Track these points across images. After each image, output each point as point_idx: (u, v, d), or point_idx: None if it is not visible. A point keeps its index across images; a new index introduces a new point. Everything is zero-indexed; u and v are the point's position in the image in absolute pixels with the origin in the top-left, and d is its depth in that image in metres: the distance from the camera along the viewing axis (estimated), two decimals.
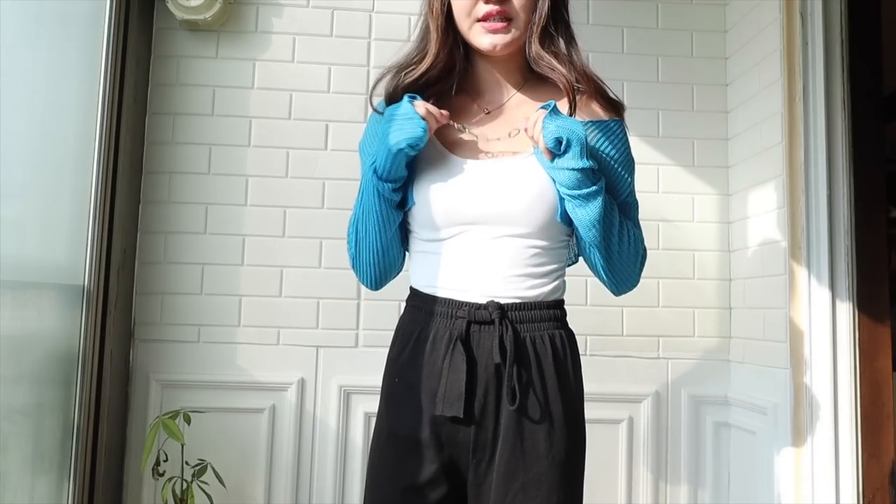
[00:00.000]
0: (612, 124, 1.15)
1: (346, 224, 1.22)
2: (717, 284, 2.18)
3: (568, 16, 1.17)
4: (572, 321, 1.17)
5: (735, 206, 2.17)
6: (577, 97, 1.12)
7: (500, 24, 1.11)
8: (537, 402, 1.08)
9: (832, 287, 1.83)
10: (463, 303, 1.11)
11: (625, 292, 1.22)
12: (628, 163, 1.16)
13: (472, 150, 1.15)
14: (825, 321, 1.82)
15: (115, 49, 1.87)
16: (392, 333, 1.20)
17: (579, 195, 1.07)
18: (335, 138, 2.11)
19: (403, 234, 1.21)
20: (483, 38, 1.13)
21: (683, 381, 2.14)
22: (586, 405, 1.17)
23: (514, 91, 1.20)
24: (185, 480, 1.85)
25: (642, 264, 1.19)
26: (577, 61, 1.14)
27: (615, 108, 1.17)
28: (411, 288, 1.20)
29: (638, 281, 1.20)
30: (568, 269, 1.21)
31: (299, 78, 2.12)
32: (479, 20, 1.12)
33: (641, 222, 1.20)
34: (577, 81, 1.12)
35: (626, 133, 1.17)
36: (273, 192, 2.08)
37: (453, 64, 1.17)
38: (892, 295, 1.87)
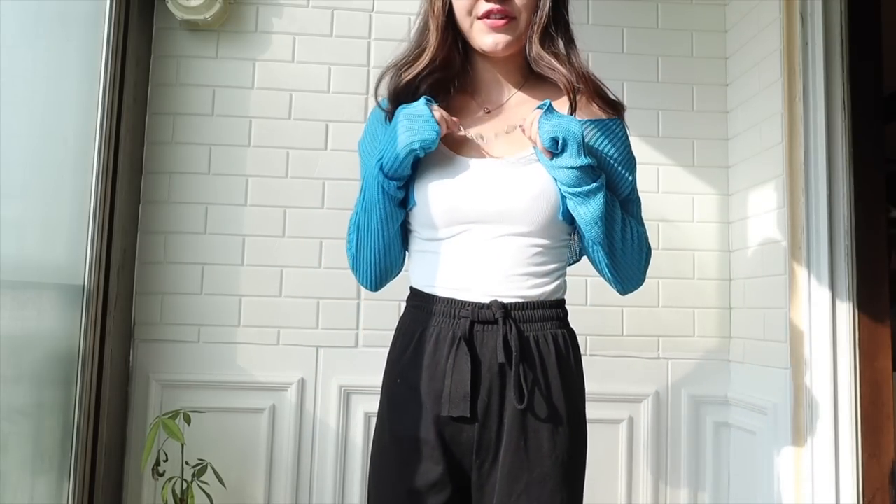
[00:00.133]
0: (612, 123, 1.15)
1: (346, 224, 1.22)
2: (717, 284, 2.18)
3: (568, 16, 1.17)
4: (572, 321, 1.17)
5: (735, 206, 2.17)
6: (578, 97, 1.12)
7: (501, 22, 1.11)
8: (543, 401, 1.08)
9: (832, 287, 1.82)
10: (465, 302, 1.11)
11: (630, 291, 1.21)
12: (629, 161, 1.16)
13: (473, 149, 1.15)
14: (825, 321, 1.82)
15: (115, 49, 1.87)
16: (392, 333, 1.20)
17: (580, 192, 1.07)
18: (335, 138, 2.11)
19: (404, 235, 1.21)
20: (485, 36, 1.13)
21: (683, 381, 2.14)
22: (587, 405, 1.17)
23: (514, 90, 1.20)
24: (185, 480, 1.85)
25: (647, 262, 1.19)
26: (576, 62, 1.14)
27: (614, 108, 1.17)
28: (411, 288, 1.20)
29: (643, 279, 1.20)
30: (568, 269, 1.21)
31: (299, 78, 2.12)
32: (480, 18, 1.12)
33: None
34: (578, 82, 1.12)
35: (626, 132, 1.17)
36: (273, 192, 2.08)
37: (451, 62, 1.17)
38: (892, 295, 1.87)
